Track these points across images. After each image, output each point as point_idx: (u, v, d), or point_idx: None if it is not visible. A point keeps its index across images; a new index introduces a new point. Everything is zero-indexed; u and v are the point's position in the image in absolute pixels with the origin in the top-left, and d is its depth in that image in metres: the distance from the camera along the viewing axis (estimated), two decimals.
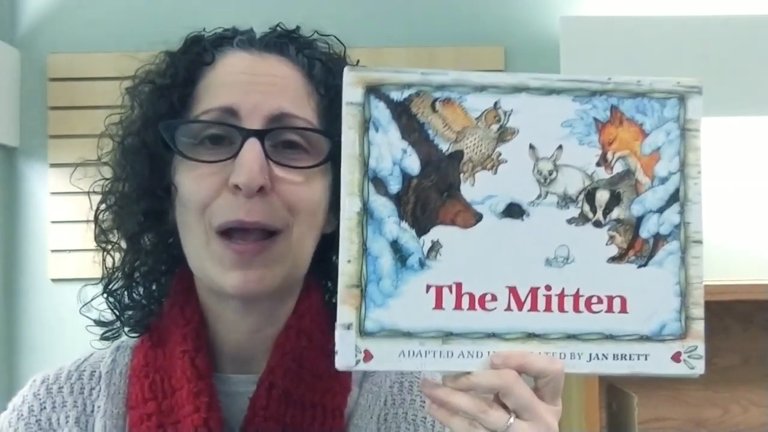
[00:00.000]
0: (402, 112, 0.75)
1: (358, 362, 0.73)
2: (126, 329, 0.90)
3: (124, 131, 0.87)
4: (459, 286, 0.74)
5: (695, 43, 2.18)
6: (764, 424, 2.15)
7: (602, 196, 0.76)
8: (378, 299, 0.74)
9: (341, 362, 0.73)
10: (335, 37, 0.89)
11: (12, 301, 2.32)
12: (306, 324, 0.86)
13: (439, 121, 0.75)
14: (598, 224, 0.76)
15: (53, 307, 2.26)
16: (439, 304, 0.74)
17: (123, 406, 0.86)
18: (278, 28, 0.89)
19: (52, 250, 2.34)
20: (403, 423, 0.89)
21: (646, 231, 0.76)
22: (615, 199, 0.76)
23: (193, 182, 0.81)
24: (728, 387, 2.11)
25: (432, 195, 0.75)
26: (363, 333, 0.73)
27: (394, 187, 0.74)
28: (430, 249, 0.74)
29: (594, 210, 0.76)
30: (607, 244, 0.75)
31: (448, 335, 0.74)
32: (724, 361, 2.13)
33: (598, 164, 0.76)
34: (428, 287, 0.74)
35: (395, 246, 0.74)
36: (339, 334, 0.73)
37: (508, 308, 0.74)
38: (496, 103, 0.75)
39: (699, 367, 0.75)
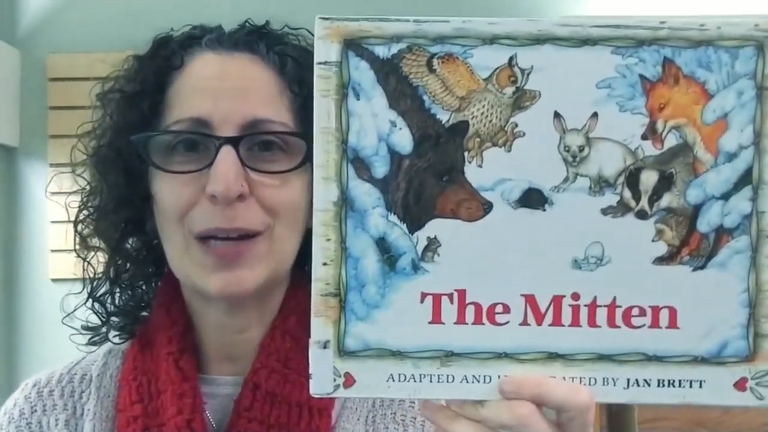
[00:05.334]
0: (390, 73, 0.53)
1: (337, 388, 0.54)
2: (112, 334, 0.81)
3: (98, 141, 0.77)
4: (462, 294, 0.53)
5: None
6: (764, 424, 1.93)
7: (649, 179, 0.53)
8: (361, 311, 0.54)
9: (317, 388, 0.54)
10: (307, 30, 0.74)
11: (12, 301, 2.22)
12: (291, 324, 0.75)
13: (438, 83, 0.53)
14: (642, 215, 0.53)
15: (53, 307, 2.10)
16: (437, 317, 0.54)
17: (112, 409, 0.77)
18: (247, 24, 0.77)
19: (52, 250, 2.21)
20: (392, 424, 0.76)
21: (706, 223, 0.53)
22: (665, 183, 0.53)
23: (170, 192, 0.72)
24: None
25: (428, 179, 0.53)
26: (343, 352, 0.54)
27: (381, 169, 0.53)
28: (426, 248, 0.54)
29: (637, 197, 0.53)
30: (653, 241, 0.53)
31: (448, 355, 0.54)
32: None
33: (644, 137, 0.53)
34: (423, 296, 0.54)
35: (382, 244, 0.54)
36: (313, 354, 0.54)
37: (524, 322, 0.54)
38: (511, 59, 0.53)
39: None
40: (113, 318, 0.80)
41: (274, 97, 0.72)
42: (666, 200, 0.53)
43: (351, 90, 0.53)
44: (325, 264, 0.54)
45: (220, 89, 0.71)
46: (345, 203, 0.54)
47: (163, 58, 0.75)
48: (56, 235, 2.21)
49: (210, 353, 0.77)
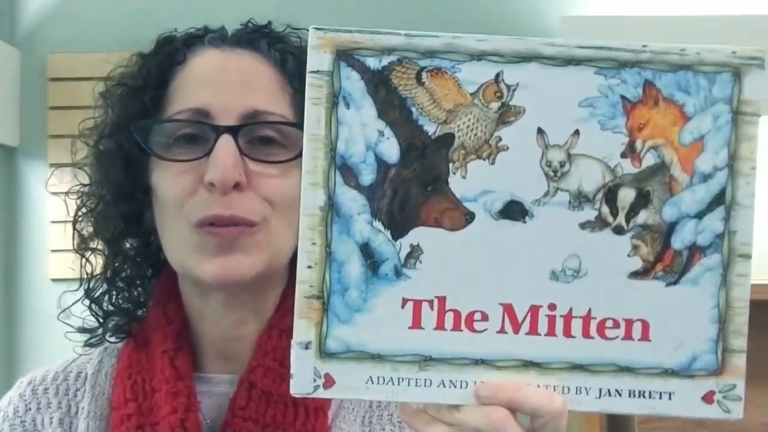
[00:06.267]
0: (380, 84, 0.54)
1: (316, 388, 0.55)
2: (108, 335, 0.80)
3: (99, 135, 0.77)
4: (442, 300, 0.54)
5: (696, 43, 2.02)
6: (764, 424, 1.93)
7: (626, 196, 0.54)
8: (343, 314, 0.55)
9: (297, 388, 0.55)
10: (308, 29, 0.72)
11: (12, 301, 2.19)
12: (288, 322, 0.74)
13: (426, 96, 0.54)
14: (619, 230, 0.54)
15: (53, 307, 2.07)
16: (417, 323, 0.55)
17: (107, 408, 0.76)
18: (250, 24, 0.77)
19: (52, 250, 2.17)
20: (388, 425, 0.75)
21: (680, 241, 0.54)
22: (642, 200, 0.54)
23: (169, 181, 0.72)
24: None
25: (413, 188, 0.55)
26: (324, 354, 0.55)
27: (367, 177, 0.54)
28: (409, 255, 0.55)
29: (615, 212, 0.54)
30: (629, 256, 0.54)
31: (426, 360, 0.55)
32: None
33: (623, 155, 0.54)
34: (404, 301, 0.55)
35: (366, 250, 0.55)
36: (295, 354, 0.55)
37: (502, 330, 0.55)
38: (497, 75, 0.54)
39: (736, 411, 0.55)
40: (110, 318, 0.79)
41: (275, 91, 0.72)
42: (642, 217, 0.54)
43: (341, 99, 0.54)
44: (309, 267, 0.55)
45: (221, 82, 0.71)
46: (331, 209, 0.54)
47: (166, 54, 0.75)
48: (56, 235, 2.17)
49: (206, 351, 0.76)
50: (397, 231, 0.55)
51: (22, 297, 2.20)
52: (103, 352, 0.80)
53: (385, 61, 0.54)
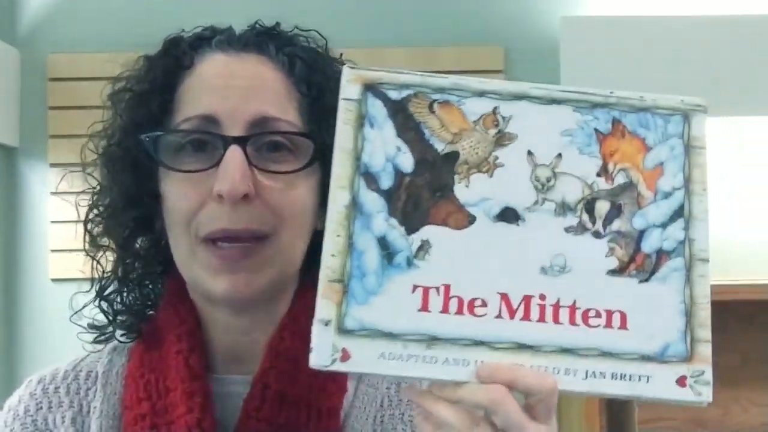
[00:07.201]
0: (398, 111, 0.66)
1: (334, 361, 0.61)
2: (119, 333, 0.81)
3: (107, 140, 0.78)
4: (447, 288, 0.62)
5: (696, 43, 1.96)
6: (764, 424, 1.92)
7: (602, 207, 0.65)
8: (360, 296, 0.62)
9: (316, 360, 0.61)
10: (316, 31, 0.78)
11: (12, 301, 2.15)
12: (301, 324, 0.74)
13: (436, 121, 0.66)
14: (597, 235, 0.64)
15: (53, 307, 2.03)
16: (425, 306, 0.62)
17: (119, 407, 0.77)
18: (257, 26, 0.78)
19: (52, 250, 2.17)
20: (400, 424, 0.77)
21: (649, 245, 0.64)
22: (616, 211, 0.65)
23: (178, 193, 0.73)
24: (728, 387, 1.89)
25: (424, 193, 0.64)
26: (342, 330, 0.61)
27: (386, 182, 0.64)
28: (419, 248, 0.63)
29: (593, 220, 0.64)
30: (606, 256, 0.64)
31: (432, 339, 0.61)
32: (724, 361, 1.86)
33: (598, 174, 0.65)
34: (415, 287, 0.62)
35: (383, 242, 0.63)
36: (316, 329, 0.61)
37: (499, 315, 0.62)
38: (495, 109, 0.66)
39: (706, 394, 0.61)
40: (120, 316, 0.79)
41: (282, 96, 0.73)
42: (616, 224, 0.64)
43: (367, 121, 0.65)
44: (333, 255, 0.63)
45: (228, 87, 0.72)
46: (355, 207, 0.64)
47: (173, 58, 0.75)
48: (56, 235, 2.14)
49: (218, 353, 0.76)
50: (410, 228, 0.63)
51: (22, 297, 2.11)
52: (112, 351, 0.80)
53: (404, 93, 0.66)
